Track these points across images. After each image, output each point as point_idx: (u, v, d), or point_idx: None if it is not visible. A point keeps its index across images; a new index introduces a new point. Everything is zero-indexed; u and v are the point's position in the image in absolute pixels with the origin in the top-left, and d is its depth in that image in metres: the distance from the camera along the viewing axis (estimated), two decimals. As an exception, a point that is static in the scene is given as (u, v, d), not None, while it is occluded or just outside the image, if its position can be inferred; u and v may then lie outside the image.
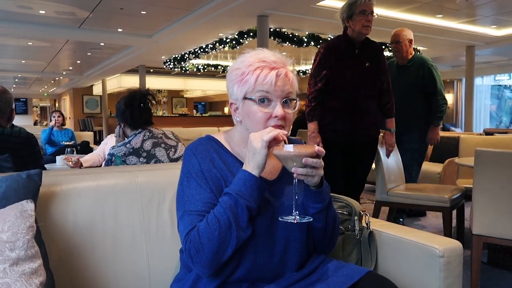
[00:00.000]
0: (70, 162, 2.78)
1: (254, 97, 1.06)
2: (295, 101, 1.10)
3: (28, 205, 1.00)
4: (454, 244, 1.22)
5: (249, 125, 1.10)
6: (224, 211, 0.99)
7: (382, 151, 3.12)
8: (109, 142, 3.08)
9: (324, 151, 0.98)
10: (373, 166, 3.04)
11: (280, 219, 1.01)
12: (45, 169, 1.87)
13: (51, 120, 5.32)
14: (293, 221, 0.99)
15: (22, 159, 1.78)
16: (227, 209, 0.99)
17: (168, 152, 2.11)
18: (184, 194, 1.07)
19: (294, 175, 0.99)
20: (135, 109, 2.15)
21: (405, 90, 3.45)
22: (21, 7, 6.59)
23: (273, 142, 1.00)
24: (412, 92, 3.48)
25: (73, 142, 5.19)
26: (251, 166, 1.01)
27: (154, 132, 2.16)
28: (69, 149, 3.23)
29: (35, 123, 22.93)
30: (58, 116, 5.29)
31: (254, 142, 1.00)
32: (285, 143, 1.01)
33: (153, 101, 2.23)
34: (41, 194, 1.11)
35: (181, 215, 1.06)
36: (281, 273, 1.10)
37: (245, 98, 1.08)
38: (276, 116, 1.06)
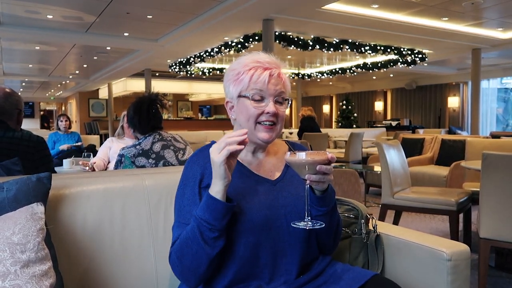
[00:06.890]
0: (87, 167, 2.79)
1: (248, 94, 1.11)
2: (287, 100, 1.15)
3: (38, 208, 1.01)
4: (461, 247, 1.22)
5: (242, 121, 1.13)
6: (192, 230, 1.02)
7: (387, 152, 3.11)
8: (112, 146, 3.09)
9: (335, 158, 1.00)
10: (379, 169, 3.02)
11: (292, 225, 1.02)
12: (55, 172, 1.89)
13: (57, 124, 5.32)
14: (305, 227, 1.00)
15: (33, 163, 1.79)
16: (195, 228, 1.01)
17: (177, 154, 2.15)
18: (177, 203, 1.12)
19: (307, 181, 1.00)
20: (143, 116, 2.17)
21: None
22: (29, 11, 6.65)
23: (235, 153, 0.96)
24: None
25: (79, 143, 5.21)
26: (215, 187, 0.99)
27: (163, 135, 2.19)
28: (85, 153, 3.26)
29: (42, 127, 23.06)
30: (66, 121, 5.31)
31: (212, 154, 0.97)
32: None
33: (160, 106, 2.22)
34: (50, 196, 1.12)
35: (173, 224, 1.11)
36: (284, 273, 1.10)
37: (240, 96, 1.13)
38: (268, 112, 1.10)
